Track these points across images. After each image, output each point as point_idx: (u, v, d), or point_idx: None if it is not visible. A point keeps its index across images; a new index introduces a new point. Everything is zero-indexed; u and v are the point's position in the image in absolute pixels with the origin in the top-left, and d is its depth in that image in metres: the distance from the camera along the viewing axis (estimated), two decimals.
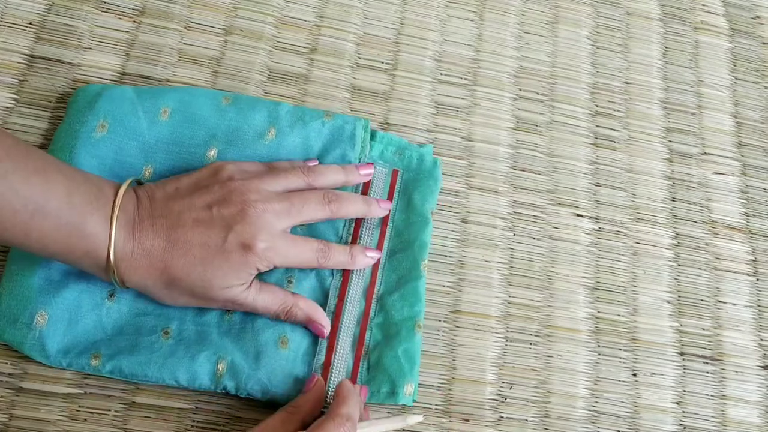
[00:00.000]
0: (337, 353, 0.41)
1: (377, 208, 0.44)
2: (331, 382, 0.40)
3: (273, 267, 0.40)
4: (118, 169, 0.42)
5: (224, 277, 0.38)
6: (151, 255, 0.37)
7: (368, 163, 0.45)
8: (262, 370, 0.40)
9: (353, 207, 0.43)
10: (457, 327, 0.45)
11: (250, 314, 0.41)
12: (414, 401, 0.41)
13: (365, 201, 0.44)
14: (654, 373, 0.46)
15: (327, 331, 0.41)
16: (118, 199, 0.37)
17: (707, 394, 0.46)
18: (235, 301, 0.39)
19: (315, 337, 0.42)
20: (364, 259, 0.43)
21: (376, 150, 0.47)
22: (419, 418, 0.40)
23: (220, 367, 0.39)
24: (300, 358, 0.41)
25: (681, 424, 0.45)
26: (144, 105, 0.44)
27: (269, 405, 0.40)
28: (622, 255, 0.49)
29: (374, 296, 0.43)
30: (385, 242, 0.45)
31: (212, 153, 0.44)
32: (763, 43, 0.58)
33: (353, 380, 0.41)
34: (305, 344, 0.41)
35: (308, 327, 0.41)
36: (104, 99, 0.43)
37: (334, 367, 0.41)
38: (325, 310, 0.42)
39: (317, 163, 0.45)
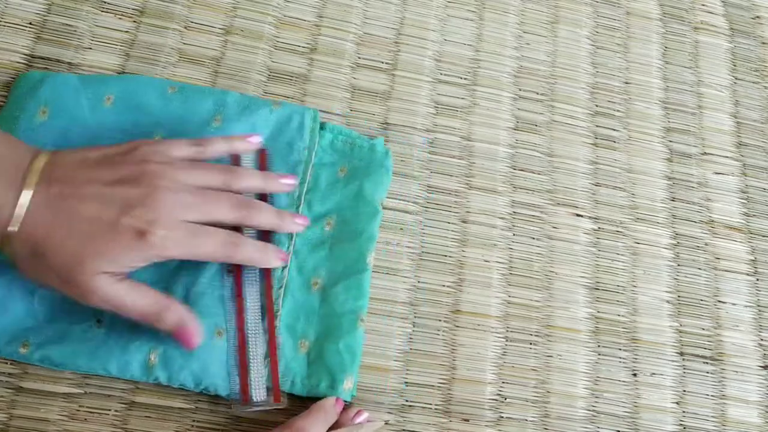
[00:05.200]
0: (251, 356, 0.40)
1: (290, 223, 0.42)
2: (251, 382, 0.40)
3: (168, 258, 0.37)
4: None
5: (100, 258, 0.35)
6: (33, 215, 0.35)
7: (290, 174, 0.43)
8: (195, 361, 0.39)
9: (264, 217, 0.40)
10: (457, 327, 0.45)
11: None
12: (353, 396, 0.41)
13: (278, 214, 0.41)
14: (654, 373, 0.46)
15: (196, 342, 0.38)
16: (34, 163, 0.35)
17: (707, 394, 0.46)
18: (98, 292, 0.35)
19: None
20: (277, 261, 0.41)
21: (326, 139, 0.47)
22: (379, 424, 0.40)
23: (152, 357, 0.39)
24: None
25: (681, 424, 0.45)
26: (87, 92, 0.44)
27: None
28: (622, 255, 0.49)
29: (273, 289, 0.42)
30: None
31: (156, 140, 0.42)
32: (763, 43, 0.58)
33: (274, 376, 0.40)
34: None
35: (177, 335, 0.38)
36: (46, 86, 0.43)
37: (252, 369, 0.40)
38: (224, 315, 0.40)
39: (260, 139, 0.43)
